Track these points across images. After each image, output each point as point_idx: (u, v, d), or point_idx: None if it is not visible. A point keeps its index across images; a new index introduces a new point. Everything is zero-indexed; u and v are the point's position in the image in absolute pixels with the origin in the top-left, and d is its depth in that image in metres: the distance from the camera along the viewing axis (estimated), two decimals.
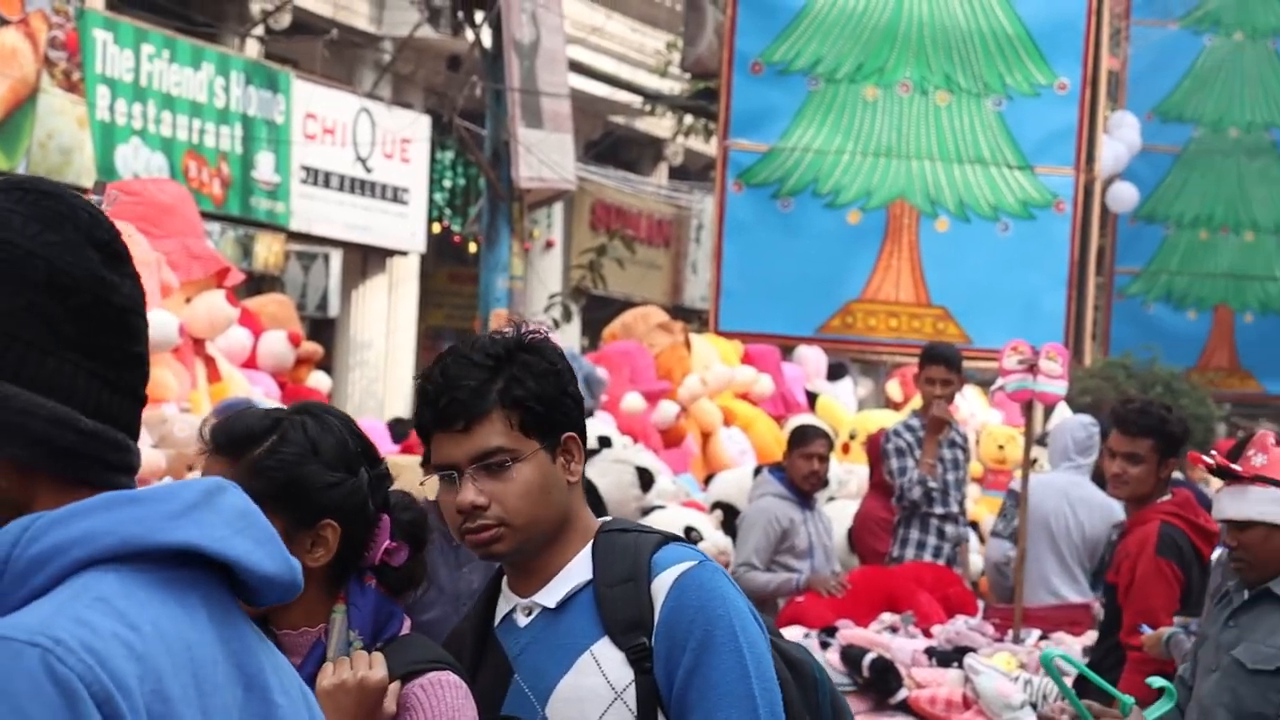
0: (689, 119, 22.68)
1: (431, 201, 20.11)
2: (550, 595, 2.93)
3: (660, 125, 24.58)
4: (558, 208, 21.29)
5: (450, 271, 22.20)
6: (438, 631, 3.53)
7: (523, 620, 2.95)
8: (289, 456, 2.83)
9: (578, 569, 2.93)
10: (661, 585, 2.87)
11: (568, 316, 19.32)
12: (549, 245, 21.60)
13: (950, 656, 7.42)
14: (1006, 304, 14.94)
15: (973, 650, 7.43)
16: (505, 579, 2.99)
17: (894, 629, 7.73)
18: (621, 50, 23.42)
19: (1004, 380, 8.23)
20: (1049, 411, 12.33)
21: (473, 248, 20.04)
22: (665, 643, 2.85)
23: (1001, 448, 12.38)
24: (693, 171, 26.19)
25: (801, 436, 9.04)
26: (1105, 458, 7.41)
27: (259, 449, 2.84)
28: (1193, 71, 22.41)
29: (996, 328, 13.75)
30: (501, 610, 2.99)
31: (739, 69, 14.84)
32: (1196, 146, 22.48)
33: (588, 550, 2.94)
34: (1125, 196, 19.90)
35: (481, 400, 2.88)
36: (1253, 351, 22.92)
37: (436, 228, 20.58)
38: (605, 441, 9.38)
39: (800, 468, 8.89)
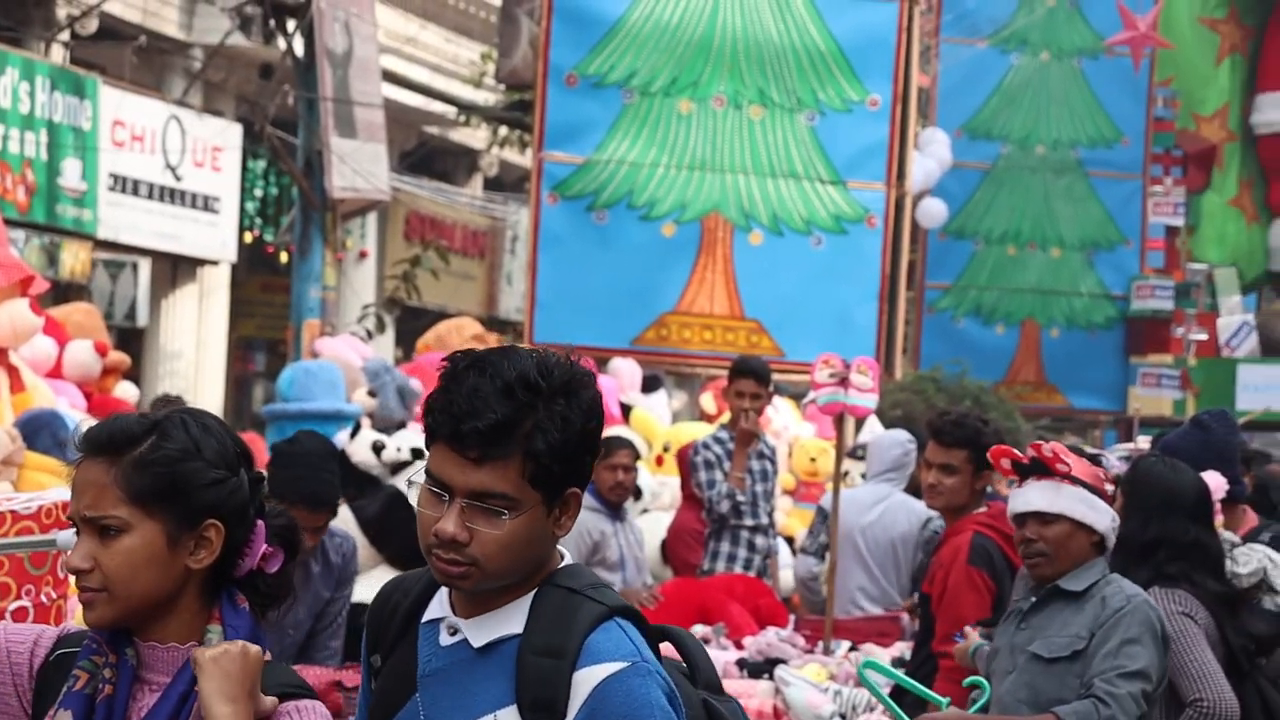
0: (504, 130, 22.62)
1: (243, 210, 19.88)
2: (479, 633, 2.81)
3: (475, 136, 24.50)
4: (371, 218, 21.14)
5: (262, 281, 21.96)
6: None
7: (445, 638, 2.84)
8: (172, 453, 2.73)
9: (514, 616, 2.81)
10: (586, 679, 2.74)
11: (381, 327, 19.18)
12: (363, 255, 21.43)
13: (761, 668, 7.46)
14: (819, 317, 15.05)
15: (783, 662, 7.47)
16: None
17: (705, 641, 7.74)
18: (436, 61, 23.31)
19: (816, 393, 8.29)
20: (860, 424, 12.43)
21: (285, 257, 19.83)
22: None
23: (814, 460, 12.48)
24: (508, 183, 26.13)
25: (606, 448, 9.02)
26: (922, 468, 7.49)
27: (140, 448, 2.73)
28: (1000, 89, 22.76)
29: (809, 341, 13.84)
30: (433, 610, 2.87)
31: (553, 81, 14.81)
32: (1005, 163, 22.83)
33: (529, 600, 2.81)
34: (935, 212, 20.14)
35: (504, 442, 2.73)
36: (1059, 366, 23.31)
37: (248, 237, 20.35)
38: (419, 453, 9.31)
39: (606, 479, 8.88)
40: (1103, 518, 5.10)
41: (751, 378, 9.32)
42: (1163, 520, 5.62)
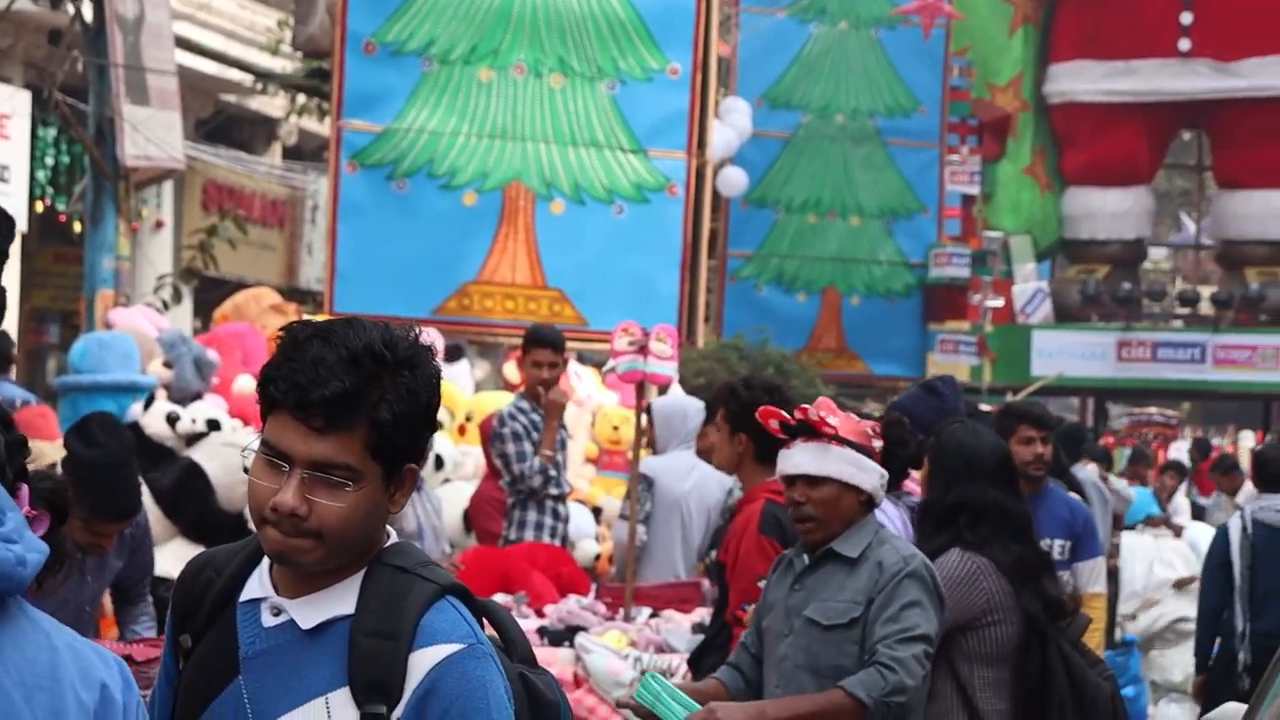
0: (302, 98, 22.34)
1: (33, 179, 19.43)
2: (307, 614, 2.76)
3: (273, 104, 24.18)
4: (167, 187, 20.77)
5: (55, 252, 21.51)
6: None
7: (269, 618, 2.77)
8: None
9: (344, 596, 2.76)
10: (423, 661, 2.71)
11: (178, 298, 18.88)
12: (158, 225, 21.03)
13: (562, 635, 7.46)
14: (621, 286, 15.07)
15: (584, 629, 7.47)
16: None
17: (506, 609, 7.71)
18: (231, 27, 22.94)
19: (615, 361, 8.29)
20: (663, 392, 12.47)
21: (78, 227, 19.43)
22: None
23: (616, 429, 12.49)
24: (307, 151, 25.83)
25: None
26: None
27: None
28: (800, 59, 22.90)
29: (611, 309, 13.84)
30: (252, 589, 2.80)
31: (351, 49, 14.64)
32: (805, 132, 22.98)
33: (358, 578, 2.76)
34: (736, 181, 20.23)
35: (351, 411, 2.69)
36: (859, 333, 23.55)
37: (39, 206, 19.90)
38: (215, 424, 9.18)
39: None
40: (870, 477, 5.12)
41: (548, 347, 9.30)
42: (963, 485, 5.68)
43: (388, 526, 2.84)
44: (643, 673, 5.22)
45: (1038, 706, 5.55)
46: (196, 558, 2.95)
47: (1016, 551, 5.63)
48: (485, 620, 2.97)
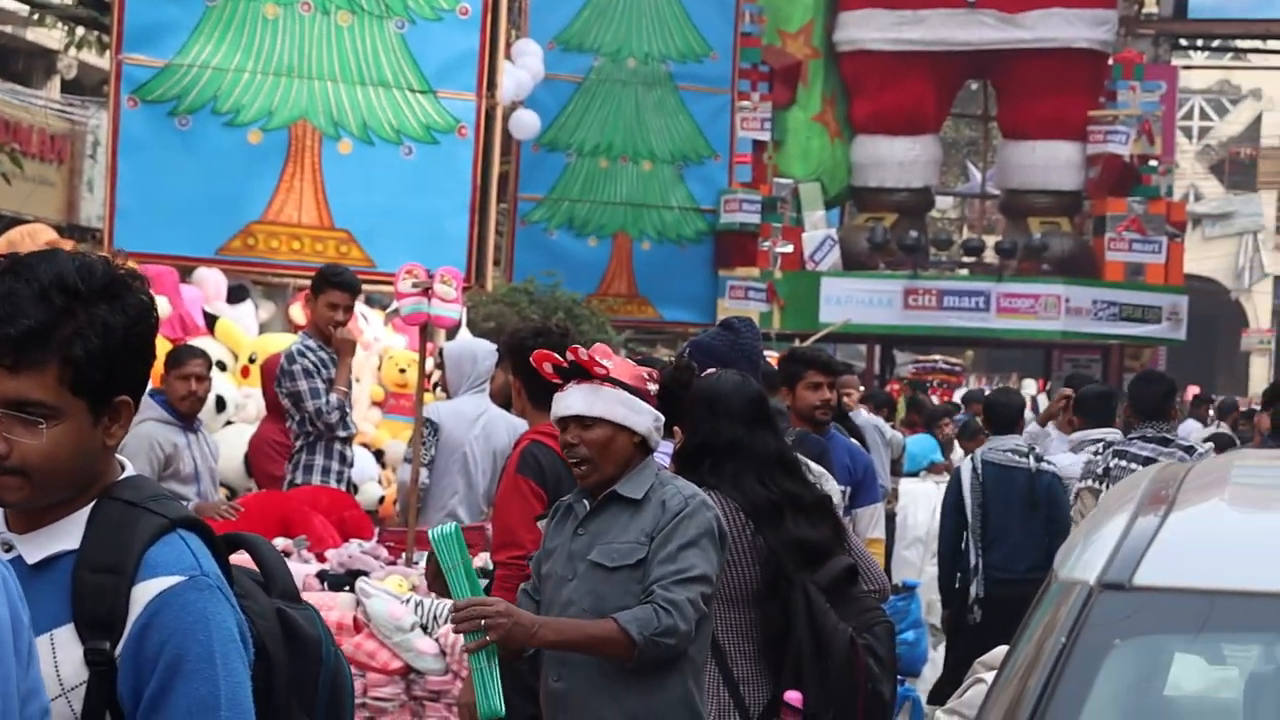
0: (81, 31, 21.82)
1: None
2: (33, 550, 2.69)
3: (51, 37, 23.61)
4: None
5: None
6: None
7: (1, 554, 2.70)
8: None
9: (70, 531, 2.70)
10: (143, 594, 2.66)
11: None
12: None
13: (342, 580, 7.38)
14: (410, 228, 14.95)
15: (365, 574, 7.39)
16: None
17: (286, 553, 7.61)
18: None
19: (399, 303, 8.21)
20: (452, 334, 12.39)
21: None
22: (132, 660, 2.65)
23: (403, 371, 12.38)
24: (87, 86, 25.26)
25: (176, 358, 8.76)
26: None
27: None
28: (592, 2, 22.80)
29: (400, 251, 13.70)
30: None
31: None
32: (597, 76, 22.91)
33: (85, 513, 2.70)
34: (527, 123, 20.11)
35: (40, 347, 2.62)
36: (650, 278, 23.58)
37: None
38: None
39: (178, 389, 8.63)
40: (644, 419, 5.11)
41: (344, 290, 9.21)
42: (707, 425, 5.70)
43: (120, 459, 2.79)
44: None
45: (780, 649, 5.57)
46: None
47: (760, 492, 5.64)
48: (247, 553, 2.94)
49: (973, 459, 10.42)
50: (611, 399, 5.06)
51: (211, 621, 2.67)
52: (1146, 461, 8.47)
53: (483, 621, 4.78)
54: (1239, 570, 2.18)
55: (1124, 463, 8.90)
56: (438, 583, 4.95)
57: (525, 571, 5.62)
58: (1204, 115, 43.61)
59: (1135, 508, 2.36)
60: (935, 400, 20.96)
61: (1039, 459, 10.24)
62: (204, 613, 2.66)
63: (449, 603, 7.04)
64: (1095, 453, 9.42)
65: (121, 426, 2.72)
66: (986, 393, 23.17)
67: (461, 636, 5.07)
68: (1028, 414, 20.64)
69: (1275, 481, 2.61)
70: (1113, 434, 10.15)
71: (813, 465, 6.50)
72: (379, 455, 11.51)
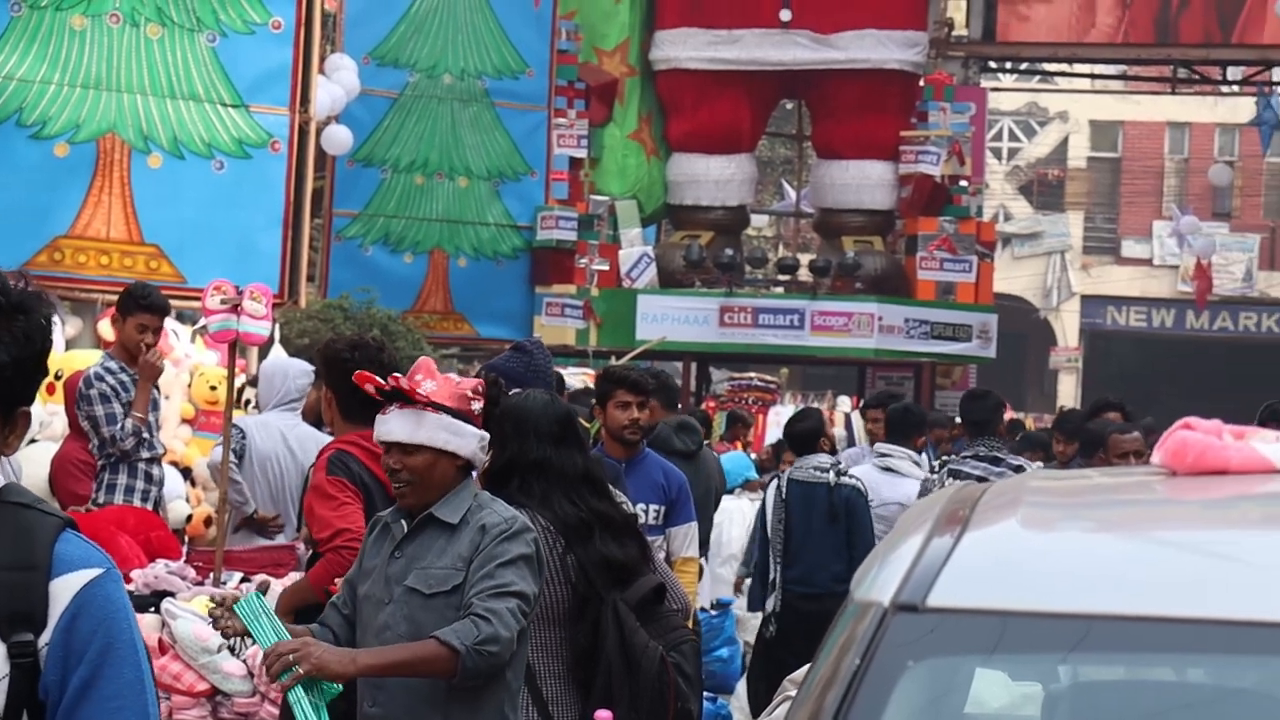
0: None
1: None
2: None
3: None
4: None
5: None
6: None
7: None
8: None
9: None
10: (65, 587, 2.77)
11: None
12: None
13: (149, 601, 7.28)
14: (222, 243, 14.81)
15: (171, 595, 7.30)
16: None
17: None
18: None
19: (207, 320, 8.13)
20: (265, 352, 12.28)
21: None
22: (61, 650, 2.76)
23: (214, 388, 12.24)
24: None
25: None
26: None
27: None
28: (408, 17, 22.69)
29: (211, 267, 13.55)
30: None
31: None
32: (412, 92, 22.79)
33: None
34: (341, 139, 19.97)
35: None
36: (466, 295, 23.49)
37: None
38: None
39: None
40: (468, 442, 5.09)
41: (153, 312, 9.07)
42: (514, 443, 5.71)
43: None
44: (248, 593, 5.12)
45: (590, 668, 5.58)
46: None
47: (569, 510, 5.65)
48: None
49: (779, 478, 10.70)
50: (433, 425, 5.03)
51: (129, 611, 2.84)
52: (980, 481, 8.63)
53: (290, 657, 4.75)
54: (1032, 591, 2.21)
55: (958, 483, 9.05)
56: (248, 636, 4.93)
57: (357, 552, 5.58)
58: (1013, 137, 44.36)
59: (931, 528, 2.38)
60: (751, 417, 21.10)
61: (841, 474, 10.45)
62: (123, 602, 2.83)
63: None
64: (932, 470, 9.64)
65: (18, 437, 2.84)
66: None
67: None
68: (840, 431, 20.87)
69: (1068, 502, 2.65)
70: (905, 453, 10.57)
71: (614, 490, 6.53)
72: (187, 473, 11.38)
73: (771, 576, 10.42)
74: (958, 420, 25.45)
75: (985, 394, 10.40)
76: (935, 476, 9.59)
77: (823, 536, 10.20)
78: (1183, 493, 2.57)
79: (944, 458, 10.65)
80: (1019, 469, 9.21)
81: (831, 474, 10.38)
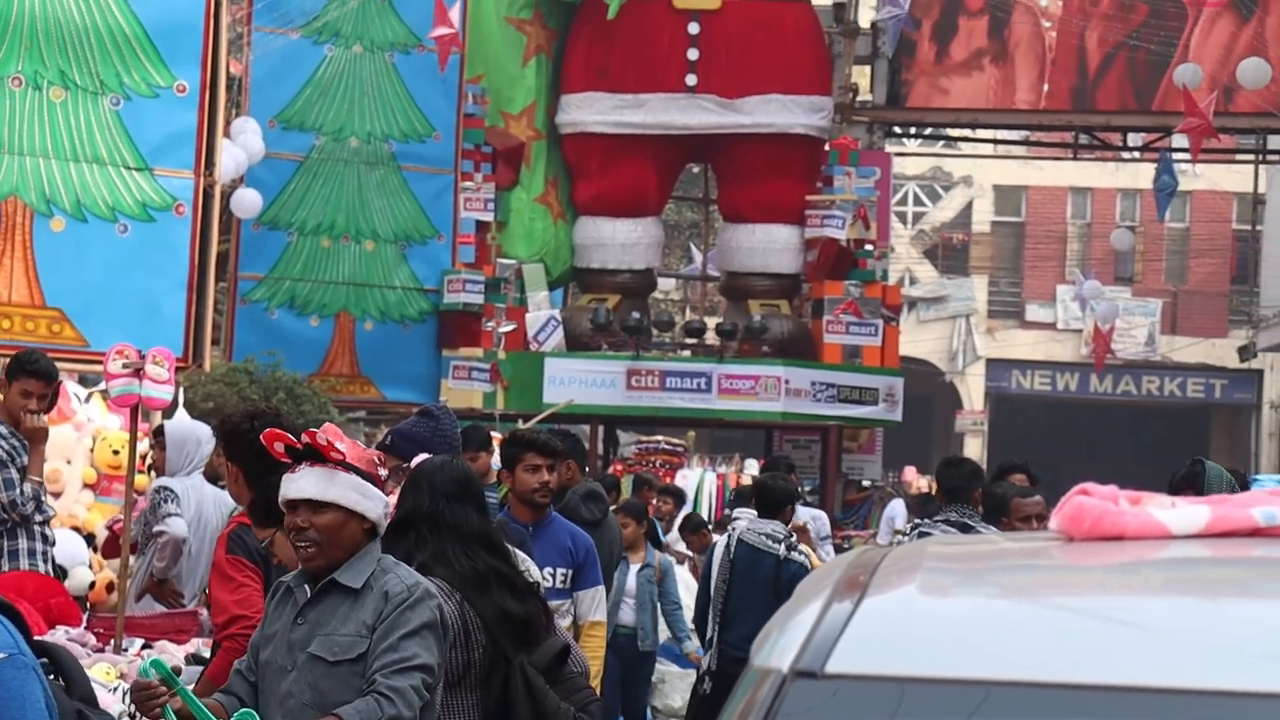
0: None
1: None
2: None
3: None
4: None
5: None
6: None
7: None
8: None
9: None
10: None
11: None
12: None
13: (48, 669, 7.18)
14: (125, 307, 14.72)
15: None
16: None
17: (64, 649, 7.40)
18: None
19: (109, 384, 8.07)
20: (170, 414, 12.19)
21: None
22: None
23: (116, 453, 12.12)
24: None
25: None
26: None
27: None
28: (314, 80, 22.69)
29: (115, 330, 13.47)
30: None
31: None
32: (318, 155, 22.77)
33: None
34: (250, 202, 19.92)
35: None
36: (372, 359, 23.43)
37: None
38: None
39: None
40: (375, 505, 5.09)
41: (39, 378, 8.96)
42: (410, 499, 5.73)
43: None
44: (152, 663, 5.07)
45: None
46: None
47: (465, 564, 5.65)
48: (48, 658, 3.03)
49: (729, 536, 10.64)
50: (346, 484, 5.02)
51: (26, 700, 2.81)
52: None
53: None
54: (931, 657, 2.22)
55: None
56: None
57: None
58: (918, 201, 44.73)
59: (830, 594, 2.39)
60: (658, 480, 21.09)
61: (791, 548, 10.43)
62: (20, 690, 2.81)
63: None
64: (903, 534, 9.72)
65: None
66: (710, 475, 23.43)
67: None
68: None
69: (966, 568, 2.66)
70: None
71: (518, 553, 6.53)
72: (90, 539, 11.25)
73: (709, 634, 10.46)
74: (866, 484, 25.61)
75: (962, 461, 10.42)
76: (906, 537, 9.66)
77: (764, 607, 10.11)
78: (1079, 558, 2.59)
79: (915, 520, 10.69)
80: None
81: (782, 547, 10.36)
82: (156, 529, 9.06)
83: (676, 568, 14.20)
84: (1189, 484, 8.66)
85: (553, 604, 7.61)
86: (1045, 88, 27.66)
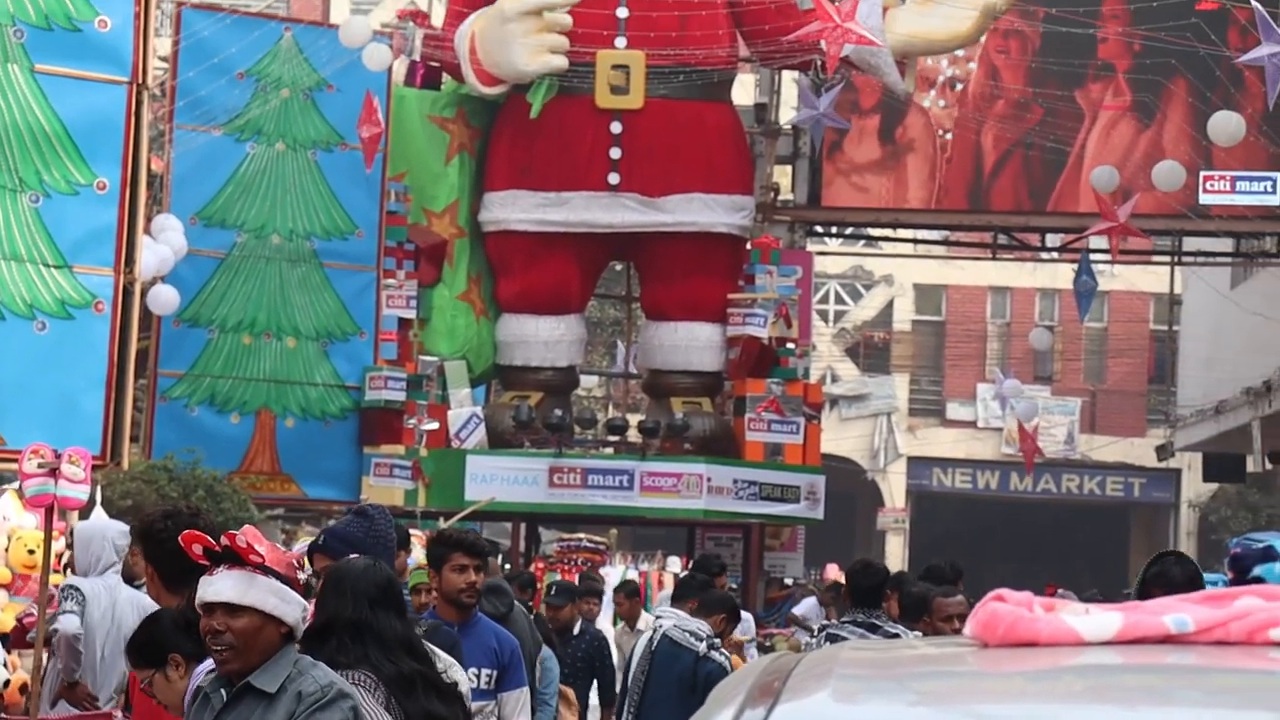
0: None
1: None
2: None
3: None
4: None
5: None
6: None
7: None
8: None
9: None
10: None
11: None
12: None
13: None
14: (43, 404, 14.61)
15: None
16: None
17: None
18: None
19: (24, 484, 7.99)
20: (86, 514, 12.08)
21: None
22: None
23: (32, 552, 12.03)
24: None
25: None
26: None
27: None
28: (236, 178, 22.68)
29: (32, 429, 13.37)
30: None
31: None
32: (240, 252, 22.73)
33: None
34: (167, 299, 19.85)
35: None
36: (293, 456, 23.30)
37: None
38: None
39: None
40: (293, 609, 5.05)
41: None
42: (332, 603, 5.68)
43: None
44: None
45: None
46: None
47: (389, 667, 5.62)
48: None
49: (654, 630, 10.63)
50: (264, 588, 4.98)
51: None
52: None
53: None
54: None
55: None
56: None
57: None
58: (839, 299, 45.00)
59: (744, 700, 2.38)
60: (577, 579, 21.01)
61: (712, 646, 10.42)
62: None
63: None
64: (811, 635, 9.72)
65: None
66: (631, 577, 23.35)
67: None
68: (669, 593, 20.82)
69: (879, 674, 2.66)
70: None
71: (442, 655, 6.48)
72: (4, 639, 11.12)
73: None
74: (789, 582, 25.57)
75: (874, 570, 10.45)
76: (815, 639, 9.65)
77: (678, 705, 10.10)
78: (993, 665, 2.60)
79: (824, 623, 10.73)
80: (894, 636, 9.27)
81: (703, 645, 10.35)
82: (51, 628, 8.96)
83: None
84: (1157, 583, 8.51)
85: (477, 705, 7.57)
86: (937, 186, 27.95)
